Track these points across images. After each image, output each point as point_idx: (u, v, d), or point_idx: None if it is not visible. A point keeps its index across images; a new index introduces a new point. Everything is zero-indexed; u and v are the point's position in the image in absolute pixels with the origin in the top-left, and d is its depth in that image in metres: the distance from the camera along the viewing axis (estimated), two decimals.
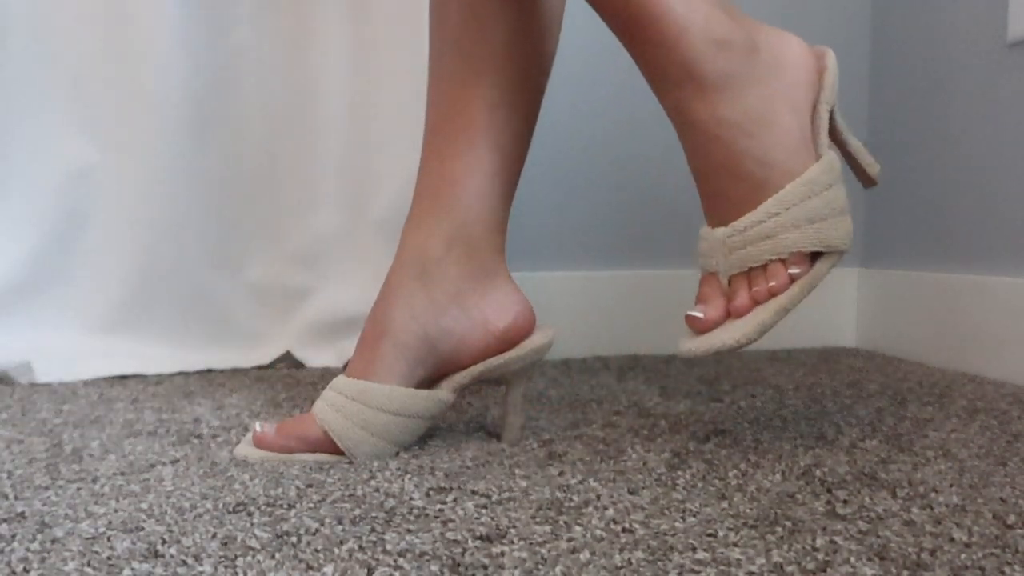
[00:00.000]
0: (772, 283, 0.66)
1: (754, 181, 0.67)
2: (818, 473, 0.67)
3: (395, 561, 0.49)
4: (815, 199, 0.67)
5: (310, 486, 0.63)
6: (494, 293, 0.75)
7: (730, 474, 0.67)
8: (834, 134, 0.73)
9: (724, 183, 0.68)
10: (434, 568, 0.49)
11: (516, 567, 0.49)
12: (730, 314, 0.67)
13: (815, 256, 0.68)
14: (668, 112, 0.69)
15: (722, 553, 0.51)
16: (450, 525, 0.55)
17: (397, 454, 0.72)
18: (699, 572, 0.48)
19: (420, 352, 0.72)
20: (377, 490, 0.62)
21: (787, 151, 0.67)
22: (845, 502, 0.60)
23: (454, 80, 0.75)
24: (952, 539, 0.53)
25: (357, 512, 0.58)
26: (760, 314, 0.65)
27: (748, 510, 0.59)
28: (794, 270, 0.66)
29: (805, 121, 0.70)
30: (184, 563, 0.49)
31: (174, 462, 0.69)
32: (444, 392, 0.73)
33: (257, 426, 0.71)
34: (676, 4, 0.66)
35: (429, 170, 0.76)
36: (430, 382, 0.74)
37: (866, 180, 0.75)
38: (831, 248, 0.67)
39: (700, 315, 0.67)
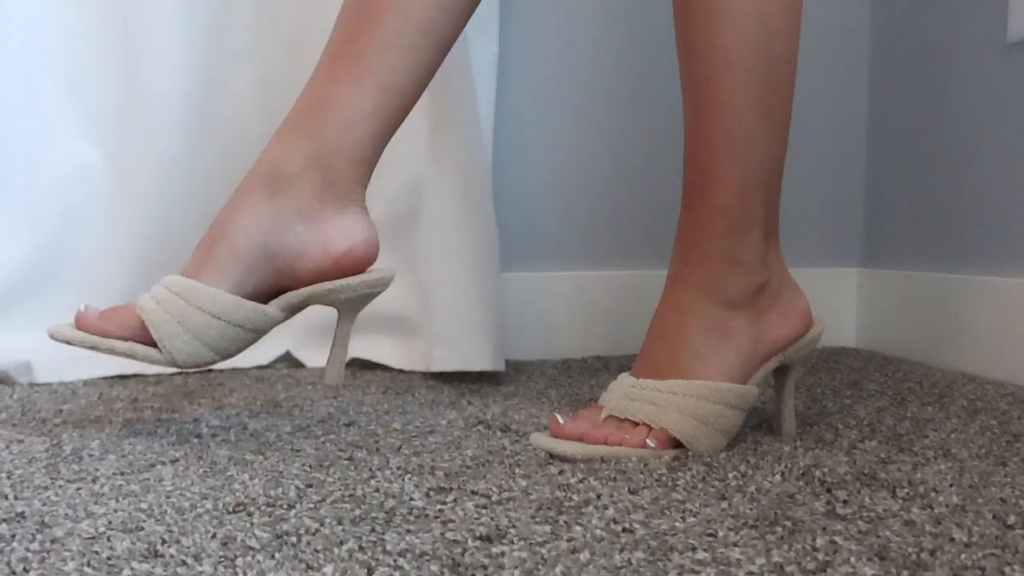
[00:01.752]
0: (627, 436, 0.71)
1: (683, 362, 0.73)
2: (818, 473, 0.67)
3: (395, 561, 0.49)
4: (712, 406, 0.72)
5: (310, 486, 0.63)
6: (342, 219, 0.74)
7: (730, 474, 0.67)
8: (779, 390, 0.80)
9: (661, 347, 0.75)
10: (434, 568, 0.49)
11: (516, 567, 0.49)
12: (583, 438, 0.71)
13: (677, 443, 0.72)
14: (669, 273, 0.78)
15: (722, 553, 0.51)
16: (450, 525, 0.55)
17: (399, 448, 0.72)
18: (699, 572, 0.48)
19: (256, 262, 0.72)
20: (377, 490, 0.62)
21: (723, 361, 0.74)
22: (845, 502, 0.60)
23: (360, 12, 0.74)
24: (952, 539, 0.53)
25: (357, 512, 0.58)
26: (597, 449, 0.70)
27: (748, 510, 0.59)
28: (651, 442, 0.71)
29: (758, 354, 0.76)
30: (184, 563, 0.49)
31: (174, 462, 0.69)
32: (272, 308, 0.73)
33: (82, 306, 0.72)
34: (741, 213, 0.74)
35: (311, 89, 0.75)
36: (264, 297, 0.74)
37: (776, 429, 0.81)
38: (691, 448, 0.71)
39: (561, 422, 0.73)
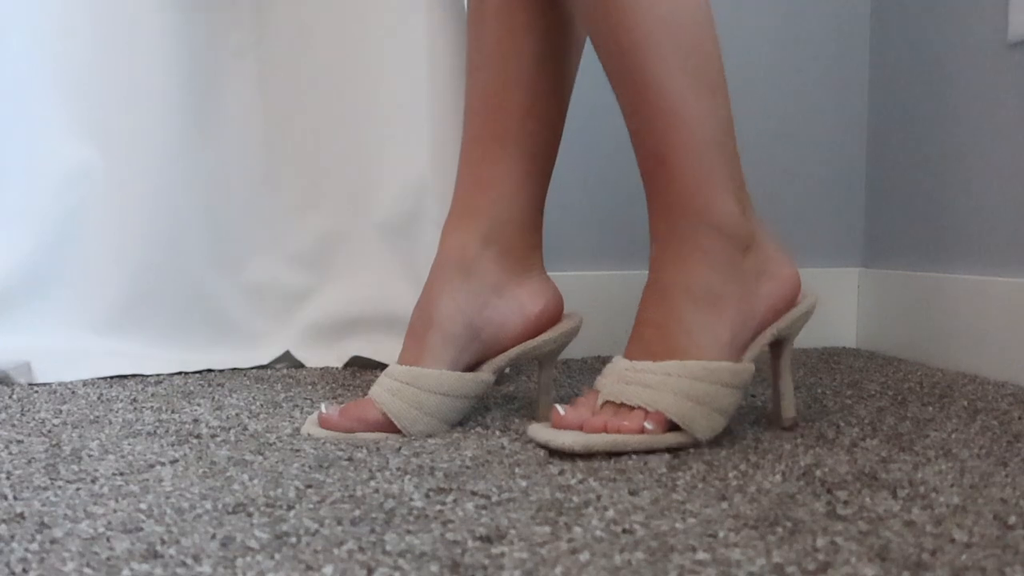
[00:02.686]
0: (625, 423, 0.71)
1: (674, 342, 0.73)
2: (818, 473, 0.67)
3: (395, 562, 0.49)
4: (708, 386, 0.72)
5: (309, 487, 0.63)
6: (528, 284, 0.84)
7: (730, 475, 0.67)
8: (776, 364, 0.81)
9: (652, 331, 0.75)
10: (434, 568, 0.49)
11: (516, 568, 0.49)
12: (582, 427, 0.72)
13: (675, 426, 0.72)
14: (650, 263, 0.77)
15: (722, 554, 0.51)
16: (450, 526, 0.55)
17: (399, 449, 0.72)
18: (699, 573, 0.48)
19: (465, 340, 0.81)
20: (377, 491, 0.62)
21: (715, 338, 0.74)
22: (846, 502, 0.60)
23: (489, 91, 0.83)
24: (953, 539, 0.53)
25: (357, 513, 0.58)
26: (597, 439, 0.70)
27: (748, 511, 0.58)
28: (648, 425, 0.71)
29: (748, 327, 0.76)
30: (183, 563, 0.49)
31: (173, 462, 0.69)
32: (486, 374, 0.82)
33: (323, 407, 0.79)
34: (705, 182, 0.74)
35: (466, 175, 0.84)
36: (472, 366, 0.82)
37: (776, 419, 0.81)
38: (689, 430, 0.72)
39: (562, 412, 0.73)
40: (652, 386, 0.71)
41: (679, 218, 0.75)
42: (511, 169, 0.83)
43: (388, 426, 0.78)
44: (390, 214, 1.16)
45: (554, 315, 0.85)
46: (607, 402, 0.73)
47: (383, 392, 0.79)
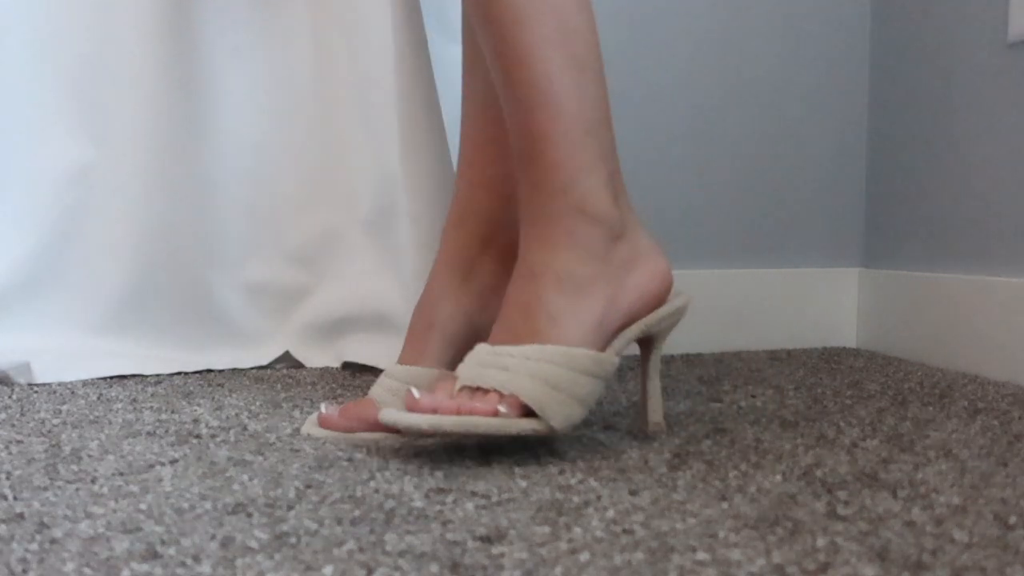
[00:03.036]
0: (478, 404, 0.68)
1: (537, 326, 0.71)
2: (819, 474, 0.67)
3: (395, 562, 0.49)
4: (566, 371, 0.69)
5: (309, 487, 0.63)
6: None
7: (730, 475, 0.67)
8: (644, 364, 0.78)
9: (517, 315, 0.72)
10: (434, 569, 0.48)
11: (516, 568, 0.49)
12: (436, 410, 0.69)
13: (530, 412, 0.68)
14: (520, 239, 0.75)
15: (723, 554, 0.51)
16: (450, 526, 0.55)
17: (398, 449, 0.72)
18: (699, 573, 0.48)
19: (465, 341, 0.81)
20: (376, 491, 0.62)
21: (578, 325, 0.71)
22: (846, 503, 0.60)
23: (487, 94, 0.82)
24: (953, 540, 0.53)
25: (356, 513, 0.58)
26: (446, 420, 0.67)
27: (749, 511, 0.58)
28: (502, 408, 0.67)
29: (615, 317, 0.74)
30: (183, 564, 0.49)
31: (173, 462, 0.69)
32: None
33: (323, 407, 0.78)
34: (574, 163, 0.73)
35: (465, 176, 0.85)
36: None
37: (642, 424, 0.78)
38: (543, 416, 0.68)
39: (416, 397, 0.70)
40: (509, 368, 0.69)
41: (547, 200, 0.73)
42: (508, 171, 0.82)
43: (388, 426, 0.77)
44: (373, 209, 1.17)
45: None
46: (464, 387, 0.70)
47: (383, 392, 0.79)
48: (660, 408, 0.77)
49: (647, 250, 0.77)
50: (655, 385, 0.77)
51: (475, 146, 0.85)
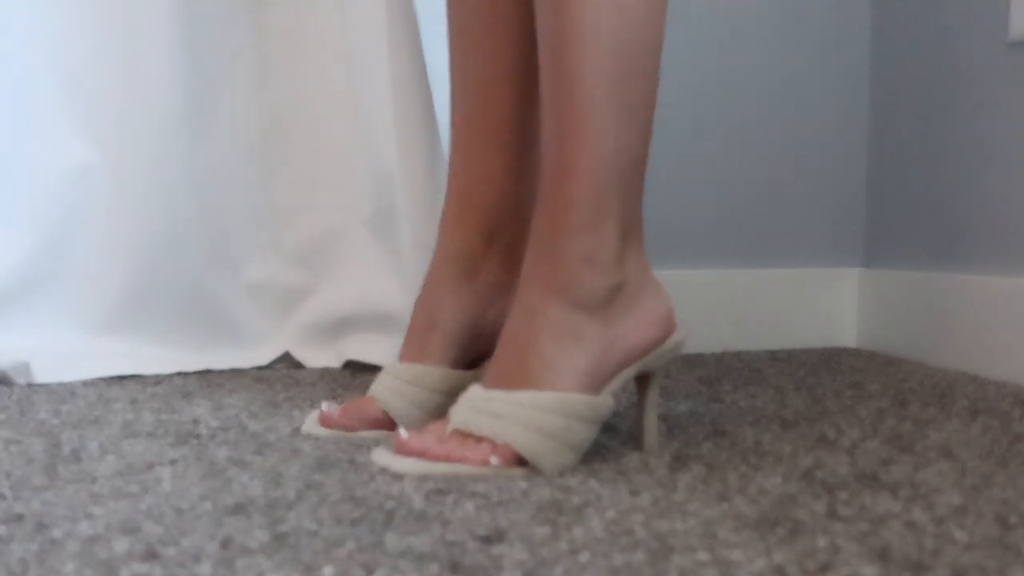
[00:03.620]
0: (469, 454, 0.66)
1: (531, 371, 0.69)
2: (819, 474, 0.67)
3: (395, 562, 0.49)
4: (561, 418, 0.67)
5: (309, 487, 0.63)
6: None
7: (731, 476, 0.67)
8: (640, 399, 0.76)
9: (510, 354, 0.70)
10: (434, 569, 0.48)
11: (516, 568, 0.49)
12: (424, 453, 0.68)
13: (523, 459, 0.67)
14: (521, 273, 0.73)
15: (723, 554, 0.51)
16: (450, 526, 0.55)
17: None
18: (700, 573, 0.48)
19: (468, 339, 0.80)
20: (377, 491, 0.62)
21: (573, 370, 0.69)
22: (846, 503, 0.60)
23: (482, 78, 0.80)
24: (953, 540, 0.53)
25: (356, 513, 0.57)
26: (437, 468, 0.66)
27: (749, 511, 0.58)
28: (494, 460, 0.66)
29: (610, 360, 0.71)
30: (183, 564, 0.49)
31: (173, 463, 0.69)
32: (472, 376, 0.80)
33: (324, 406, 0.79)
34: (592, 205, 0.70)
35: (462, 168, 0.82)
36: (472, 365, 0.81)
37: (637, 446, 0.76)
38: (536, 466, 0.67)
39: (404, 437, 0.69)
40: (502, 416, 0.67)
41: (558, 236, 0.70)
42: (510, 164, 0.81)
43: (389, 424, 0.77)
44: (371, 210, 1.17)
45: None
46: (456, 430, 0.68)
47: (384, 391, 0.79)
48: (655, 440, 0.76)
49: (649, 291, 0.74)
50: (652, 419, 0.76)
51: (472, 136, 0.82)
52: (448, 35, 0.83)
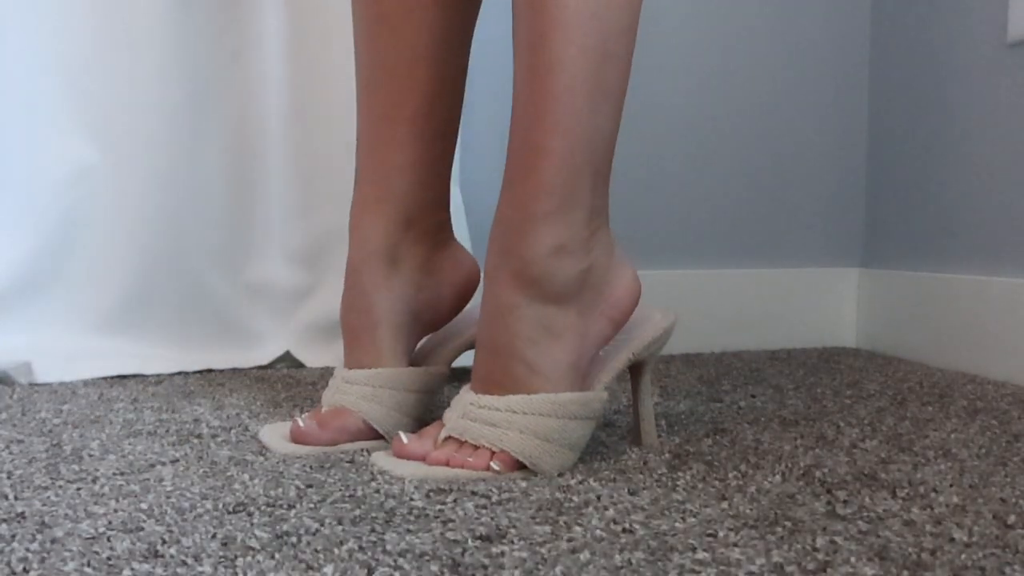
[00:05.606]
0: (470, 459, 0.67)
1: (516, 375, 0.68)
2: (818, 473, 0.67)
3: (395, 561, 0.49)
4: (555, 421, 0.67)
5: (310, 486, 0.63)
6: (448, 258, 0.83)
7: (730, 475, 0.67)
8: (634, 387, 0.76)
9: (493, 361, 0.69)
10: (434, 568, 0.49)
11: (516, 567, 0.49)
12: (424, 458, 0.68)
13: (522, 463, 0.67)
14: (487, 267, 0.71)
15: (722, 553, 0.51)
16: (450, 525, 0.55)
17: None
18: (699, 572, 0.48)
19: (410, 328, 0.80)
20: (377, 491, 0.62)
21: (556, 368, 0.69)
22: (845, 502, 0.60)
23: (397, 66, 0.79)
24: (952, 539, 0.53)
25: (357, 512, 0.58)
26: (437, 471, 0.66)
27: (748, 510, 0.59)
28: (495, 466, 0.66)
29: (588, 352, 0.71)
30: (184, 563, 0.49)
31: (174, 462, 0.69)
32: (443, 367, 0.81)
33: (300, 422, 0.75)
34: (565, 191, 0.68)
35: (372, 159, 0.80)
36: (413, 350, 0.81)
37: (636, 442, 0.77)
38: (536, 469, 0.67)
39: (405, 442, 0.69)
40: (497, 424, 0.67)
41: (527, 224, 0.69)
42: (421, 154, 0.79)
43: (370, 433, 0.75)
44: None
45: (475, 277, 0.84)
46: (451, 437, 0.68)
47: (358, 400, 0.76)
48: (653, 429, 0.76)
49: (613, 266, 0.73)
50: (647, 407, 0.76)
51: (383, 125, 0.80)
52: (355, 24, 0.80)
